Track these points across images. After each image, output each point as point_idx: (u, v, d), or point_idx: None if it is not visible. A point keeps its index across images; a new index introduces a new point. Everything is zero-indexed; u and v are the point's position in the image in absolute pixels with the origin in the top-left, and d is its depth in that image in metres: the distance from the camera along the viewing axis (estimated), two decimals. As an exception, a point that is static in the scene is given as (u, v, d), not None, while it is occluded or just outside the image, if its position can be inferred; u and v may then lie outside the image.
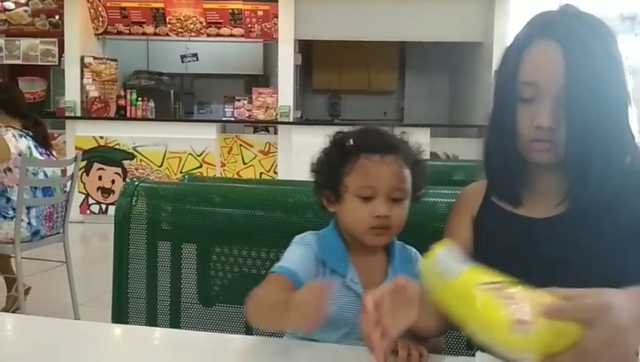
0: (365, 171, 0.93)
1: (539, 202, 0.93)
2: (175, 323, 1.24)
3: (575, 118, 0.83)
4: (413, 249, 1.02)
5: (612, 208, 0.86)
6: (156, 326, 1.24)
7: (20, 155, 2.69)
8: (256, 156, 5.50)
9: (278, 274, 0.93)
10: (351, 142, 0.96)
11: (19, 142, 2.75)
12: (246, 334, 0.92)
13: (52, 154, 2.99)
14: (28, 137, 2.83)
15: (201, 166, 5.40)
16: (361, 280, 0.95)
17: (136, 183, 1.28)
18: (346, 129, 1.01)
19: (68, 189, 2.95)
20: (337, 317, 0.92)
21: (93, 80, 5.58)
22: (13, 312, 2.71)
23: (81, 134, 5.40)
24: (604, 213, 0.86)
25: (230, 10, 5.68)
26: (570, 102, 0.83)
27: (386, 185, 0.92)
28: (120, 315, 1.25)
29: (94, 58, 5.67)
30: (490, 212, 0.97)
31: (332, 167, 0.97)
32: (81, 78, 5.55)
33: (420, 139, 1.03)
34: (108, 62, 5.76)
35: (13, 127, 2.80)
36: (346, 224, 0.97)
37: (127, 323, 1.24)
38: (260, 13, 5.66)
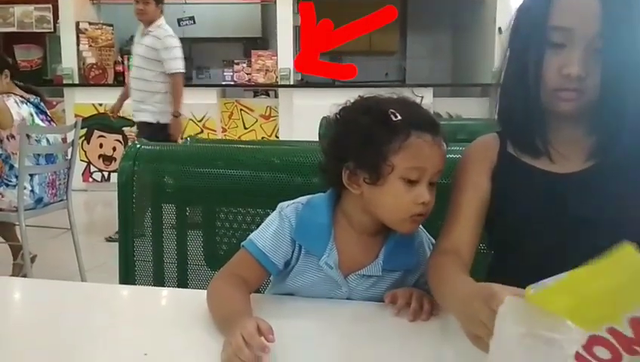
0: (418, 151, 0.84)
1: (562, 156, 0.88)
2: (182, 286, 1.24)
3: (610, 66, 0.79)
4: (422, 230, 0.95)
5: None
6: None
7: (22, 122, 2.68)
8: (257, 120, 5.46)
9: (248, 254, 0.90)
10: (398, 116, 0.84)
11: (21, 109, 2.73)
12: (255, 292, 0.92)
13: (52, 121, 2.97)
14: (29, 104, 2.80)
15: (202, 131, 5.36)
16: (340, 263, 0.90)
17: (138, 146, 1.26)
18: (359, 93, 0.90)
19: (69, 156, 2.94)
20: (303, 292, 0.92)
21: (90, 46, 5.50)
22: (21, 280, 2.73)
23: (80, 102, 5.35)
24: (634, 167, 0.83)
25: (226, -29, 5.58)
26: (607, 50, 0.79)
27: (433, 167, 0.85)
28: (127, 279, 1.25)
29: (90, 24, 5.57)
30: (509, 165, 0.91)
31: (374, 142, 0.84)
32: (77, 44, 5.46)
33: (423, 100, 0.97)
34: (104, 27, 5.65)
35: (14, 94, 2.77)
36: (379, 208, 0.87)
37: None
38: (257, -28, 5.55)
